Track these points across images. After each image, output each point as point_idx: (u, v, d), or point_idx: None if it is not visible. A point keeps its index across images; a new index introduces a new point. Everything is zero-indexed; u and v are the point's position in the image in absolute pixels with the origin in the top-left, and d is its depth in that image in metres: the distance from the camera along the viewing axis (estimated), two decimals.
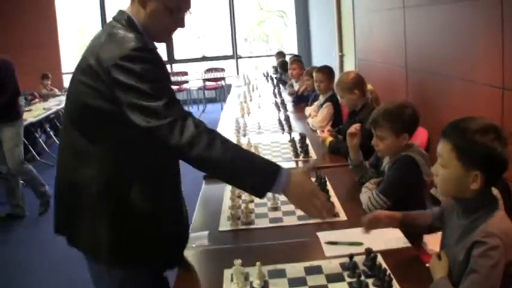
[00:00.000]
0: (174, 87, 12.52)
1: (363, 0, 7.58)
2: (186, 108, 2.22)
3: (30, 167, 6.23)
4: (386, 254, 2.20)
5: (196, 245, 2.50)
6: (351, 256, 2.13)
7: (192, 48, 14.77)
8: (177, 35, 2.32)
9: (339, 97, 4.51)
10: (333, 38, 10.29)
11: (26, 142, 8.01)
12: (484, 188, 1.87)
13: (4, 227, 5.95)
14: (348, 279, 2.04)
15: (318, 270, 2.14)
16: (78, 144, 2.10)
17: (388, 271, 1.98)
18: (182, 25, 2.24)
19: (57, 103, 9.75)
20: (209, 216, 2.89)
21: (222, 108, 12.34)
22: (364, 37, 7.66)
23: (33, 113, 8.53)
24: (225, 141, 2.02)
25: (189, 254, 2.40)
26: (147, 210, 2.11)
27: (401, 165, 2.85)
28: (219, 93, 13.42)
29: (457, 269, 1.86)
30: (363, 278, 2.00)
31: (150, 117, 1.93)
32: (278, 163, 2.04)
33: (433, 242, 2.50)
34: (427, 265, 2.07)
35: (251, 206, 2.91)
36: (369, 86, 4.32)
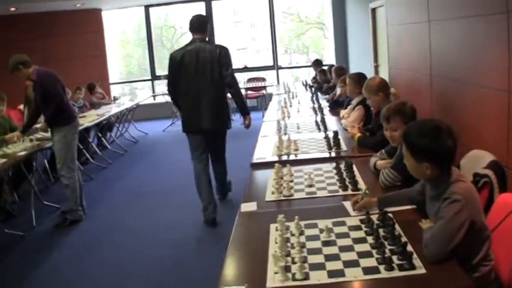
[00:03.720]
0: None
1: (394, 15, 8.14)
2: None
3: (77, 178, 6.45)
4: (397, 213, 2.85)
5: (248, 210, 3.19)
6: (367, 212, 2.79)
7: (233, 59, 15.10)
8: None
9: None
10: (368, 50, 10.88)
11: (81, 146, 8.73)
12: (440, 171, 2.55)
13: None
14: (365, 229, 2.69)
15: (342, 223, 2.81)
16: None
17: (394, 220, 2.62)
18: None
19: (107, 110, 10.48)
20: (257, 192, 3.57)
21: (263, 116, 12.98)
22: (395, 48, 8.21)
23: (88, 118, 9.23)
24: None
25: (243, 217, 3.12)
26: None
27: None
28: (260, 101, 13.99)
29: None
30: (375, 227, 2.64)
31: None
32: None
33: None
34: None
35: (291, 183, 3.58)
36: (392, 90, 4.94)
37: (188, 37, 6.03)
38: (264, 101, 13.49)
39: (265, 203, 3.34)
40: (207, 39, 6.04)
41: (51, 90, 6.06)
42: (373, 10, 10.45)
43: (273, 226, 2.82)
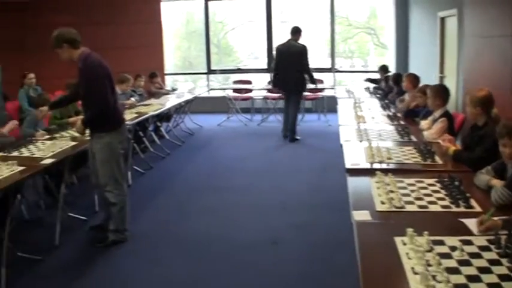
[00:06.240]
0: None
1: (472, 26, 8.02)
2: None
3: (126, 192, 5.49)
4: None
5: (362, 219, 3.18)
6: (496, 233, 2.75)
7: None
8: None
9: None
10: (434, 59, 10.72)
11: (141, 134, 8.87)
12: None
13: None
14: (495, 250, 2.65)
15: (469, 242, 2.77)
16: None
17: None
18: None
19: (167, 100, 10.69)
20: (363, 200, 3.55)
21: (318, 119, 12.90)
22: (471, 61, 8.10)
23: (151, 107, 9.31)
24: None
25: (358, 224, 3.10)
26: None
27: None
28: (315, 103, 13.82)
29: None
30: (509, 250, 2.60)
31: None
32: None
33: None
34: None
35: (398, 195, 3.54)
36: (495, 110, 4.76)
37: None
38: (321, 104, 13.39)
39: (377, 212, 3.32)
40: (299, 40, 10.58)
41: (99, 87, 5.07)
42: (442, 19, 10.33)
43: (397, 239, 2.80)
